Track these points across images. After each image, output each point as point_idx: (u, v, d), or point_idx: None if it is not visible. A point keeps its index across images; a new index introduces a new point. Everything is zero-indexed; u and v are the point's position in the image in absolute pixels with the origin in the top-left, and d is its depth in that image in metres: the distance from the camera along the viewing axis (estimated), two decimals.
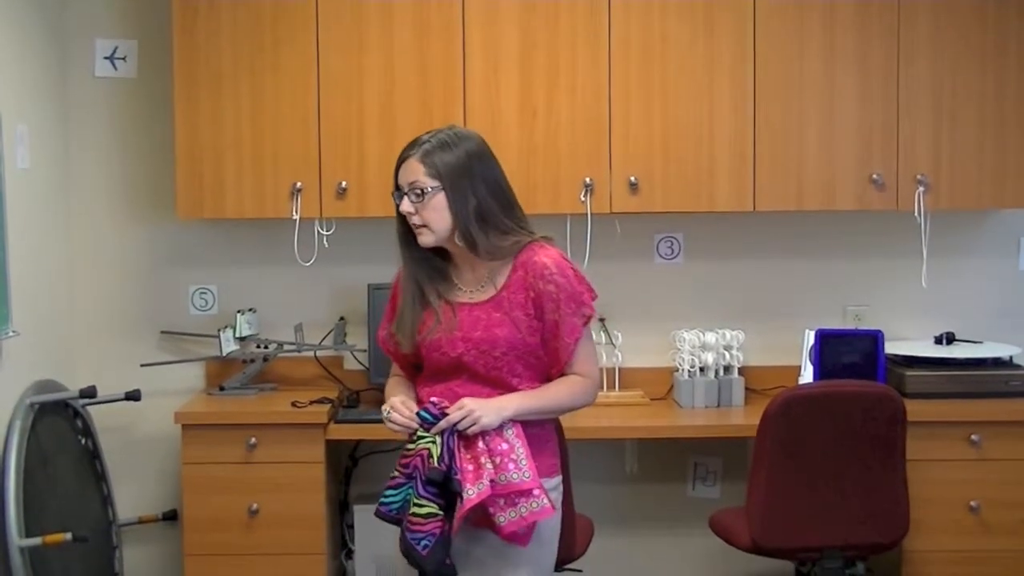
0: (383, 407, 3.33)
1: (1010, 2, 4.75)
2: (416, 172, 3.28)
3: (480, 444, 3.21)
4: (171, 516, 5.09)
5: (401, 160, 3.32)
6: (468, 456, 3.20)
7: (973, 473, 4.58)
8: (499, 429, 3.22)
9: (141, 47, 5.07)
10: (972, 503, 4.58)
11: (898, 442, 4.25)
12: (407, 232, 3.36)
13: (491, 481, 3.17)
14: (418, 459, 3.18)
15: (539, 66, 4.73)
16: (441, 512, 3.17)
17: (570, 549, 3.96)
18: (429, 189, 3.27)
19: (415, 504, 3.17)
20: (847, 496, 4.24)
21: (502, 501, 3.19)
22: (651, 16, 4.74)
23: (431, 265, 3.37)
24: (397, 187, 3.33)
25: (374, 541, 4.80)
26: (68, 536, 4.21)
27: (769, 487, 4.24)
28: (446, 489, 3.17)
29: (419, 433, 3.22)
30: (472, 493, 3.15)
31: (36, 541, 4.15)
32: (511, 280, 3.31)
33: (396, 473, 3.23)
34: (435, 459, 3.17)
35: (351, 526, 4.99)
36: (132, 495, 5.10)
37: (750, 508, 4.31)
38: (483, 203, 3.29)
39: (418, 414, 3.23)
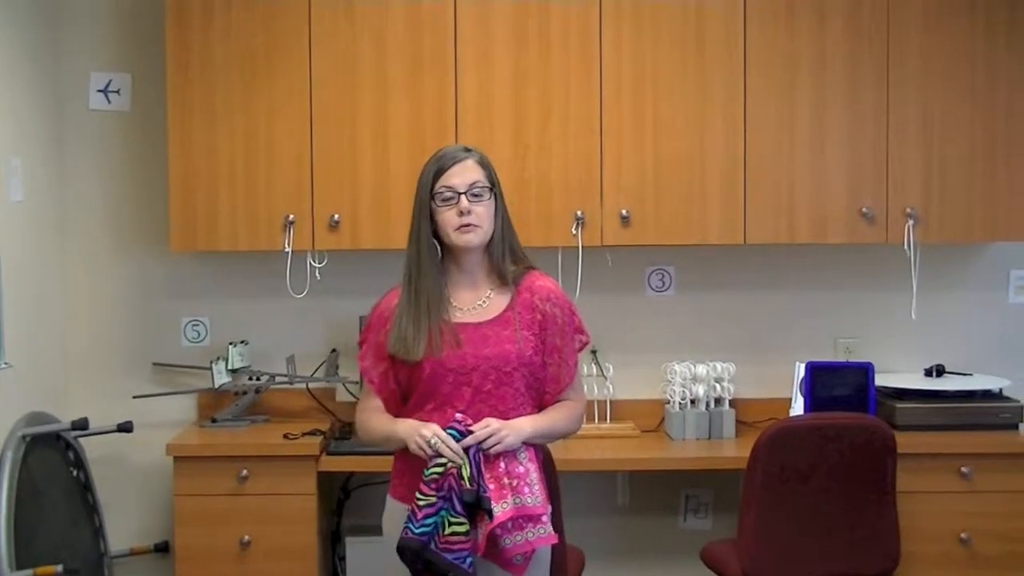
0: (420, 436, 3.25)
1: (998, 38, 4.79)
2: (477, 173, 3.40)
3: (501, 465, 3.27)
4: (163, 548, 5.09)
5: (452, 163, 3.39)
6: (489, 476, 3.25)
7: (963, 505, 4.59)
8: (514, 451, 3.30)
9: (135, 80, 5.10)
10: (963, 535, 4.58)
11: (888, 474, 4.26)
12: (431, 246, 3.41)
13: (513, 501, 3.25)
14: (451, 478, 3.20)
15: (531, 100, 4.76)
16: (471, 529, 3.21)
17: None
18: (487, 191, 3.39)
19: (453, 523, 3.18)
20: (838, 528, 4.25)
21: (510, 524, 3.25)
22: (643, 50, 4.77)
23: (439, 284, 3.42)
24: (434, 193, 3.38)
25: (366, 573, 4.79)
26: (59, 568, 4.20)
27: (760, 519, 4.25)
28: (474, 507, 3.21)
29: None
30: (499, 511, 3.21)
31: (27, 573, 4.13)
32: (517, 301, 3.42)
33: (433, 499, 3.21)
34: (466, 479, 3.19)
35: (343, 558, 4.98)
36: (124, 527, 5.09)
37: (741, 540, 4.31)
38: (506, 221, 3.46)
39: (446, 432, 3.25)
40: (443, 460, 3.22)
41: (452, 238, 3.38)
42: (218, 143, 4.76)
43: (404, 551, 3.23)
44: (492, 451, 3.25)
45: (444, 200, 3.37)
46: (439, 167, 3.39)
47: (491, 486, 3.23)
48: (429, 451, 3.23)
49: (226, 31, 4.74)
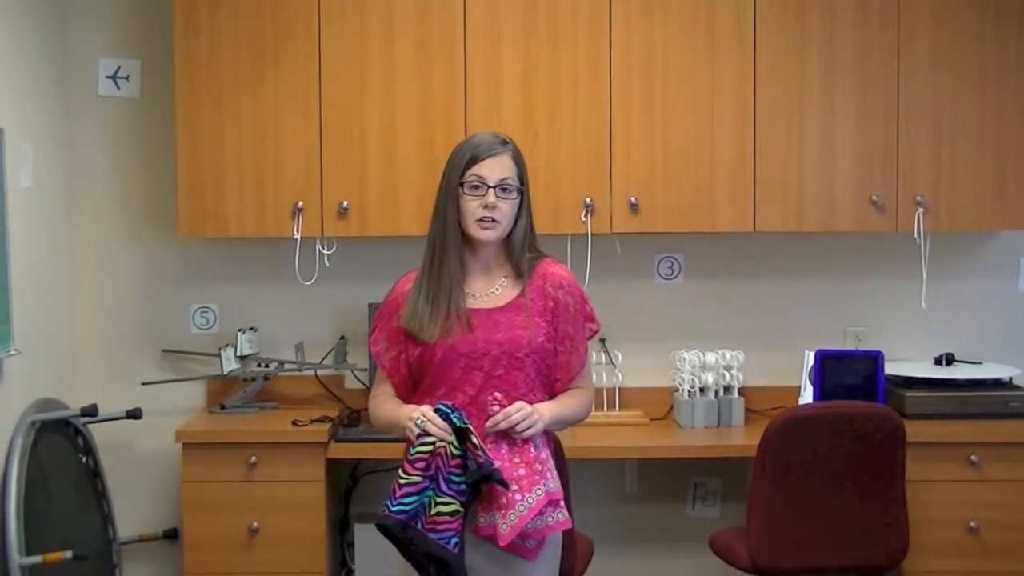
0: (411, 415, 3.24)
1: (1009, 25, 4.77)
2: (510, 169, 3.38)
3: (531, 450, 3.26)
4: (171, 534, 5.10)
5: (488, 154, 3.37)
6: (520, 461, 3.24)
7: (973, 494, 4.58)
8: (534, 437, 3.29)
9: (144, 67, 5.09)
10: (972, 524, 4.58)
11: (898, 463, 4.25)
12: (456, 231, 3.38)
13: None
14: (439, 458, 3.17)
15: (540, 87, 4.75)
16: (463, 509, 3.17)
17: (570, 569, 3.96)
18: (516, 188, 3.38)
19: (439, 503, 3.15)
20: (847, 517, 4.25)
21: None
22: (652, 38, 4.76)
23: (459, 269, 3.41)
24: (463, 179, 3.36)
25: (374, 560, 4.79)
26: (68, 554, 4.22)
27: (769, 507, 4.25)
28: (475, 485, 3.17)
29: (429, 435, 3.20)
30: (532, 501, 3.19)
31: (36, 559, 4.15)
32: (530, 288, 3.40)
33: (418, 478, 3.17)
34: (480, 451, 3.15)
35: (351, 545, 4.99)
36: (133, 513, 5.10)
37: (750, 528, 4.31)
38: (529, 220, 3.46)
39: (437, 410, 3.21)
40: (431, 439, 3.18)
41: (470, 229, 3.37)
42: (227, 129, 4.75)
43: (383, 529, 3.19)
44: (524, 435, 3.24)
45: (472, 188, 3.35)
46: (474, 155, 3.37)
47: (521, 472, 3.22)
48: (416, 430, 3.20)
49: (235, 17, 4.73)
